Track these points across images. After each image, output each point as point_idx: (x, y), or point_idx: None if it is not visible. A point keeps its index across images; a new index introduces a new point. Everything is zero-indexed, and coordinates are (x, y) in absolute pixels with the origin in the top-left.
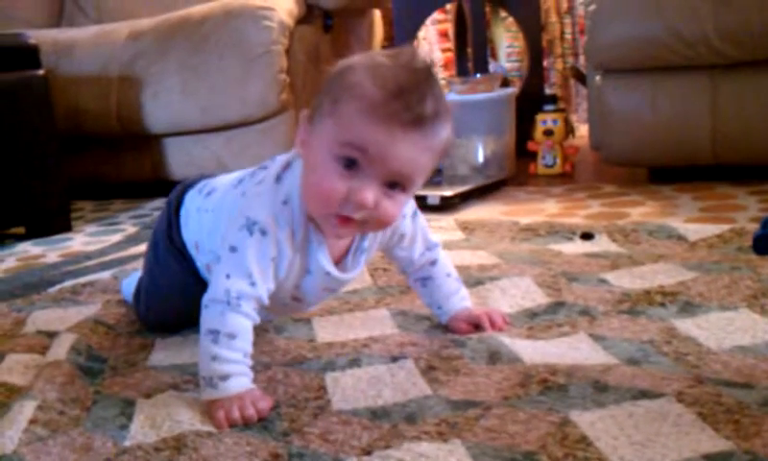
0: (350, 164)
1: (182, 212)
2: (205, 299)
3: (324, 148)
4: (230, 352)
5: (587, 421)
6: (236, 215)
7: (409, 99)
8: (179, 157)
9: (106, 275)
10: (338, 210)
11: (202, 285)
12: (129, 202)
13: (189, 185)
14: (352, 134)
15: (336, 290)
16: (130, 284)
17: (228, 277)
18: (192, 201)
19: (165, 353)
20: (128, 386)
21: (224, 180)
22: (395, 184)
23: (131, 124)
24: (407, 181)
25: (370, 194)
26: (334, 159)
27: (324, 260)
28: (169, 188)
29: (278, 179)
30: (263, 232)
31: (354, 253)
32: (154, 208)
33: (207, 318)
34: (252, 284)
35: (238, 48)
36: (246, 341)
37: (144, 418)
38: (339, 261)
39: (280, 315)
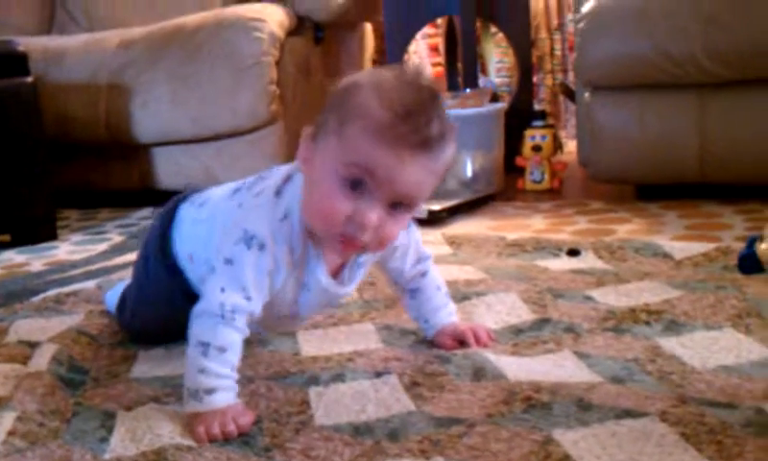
0: (356, 185)
1: (175, 225)
2: (197, 310)
3: (329, 167)
4: (219, 367)
5: (570, 439)
6: (232, 227)
7: (417, 121)
8: (167, 167)
9: (90, 284)
10: (341, 230)
11: (190, 301)
12: (116, 211)
13: (183, 198)
14: (359, 156)
15: (332, 304)
16: (113, 296)
17: (222, 290)
18: (186, 212)
19: (148, 365)
20: (109, 398)
21: (218, 190)
22: (397, 205)
23: (119, 133)
24: (411, 201)
25: (374, 215)
26: (339, 179)
27: (322, 276)
28: (157, 198)
29: (278, 192)
30: (261, 247)
31: (351, 266)
32: (141, 218)
33: (198, 330)
34: (248, 298)
35: (229, 59)
36: (235, 355)
37: (124, 431)
38: (336, 275)
39: (273, 330)
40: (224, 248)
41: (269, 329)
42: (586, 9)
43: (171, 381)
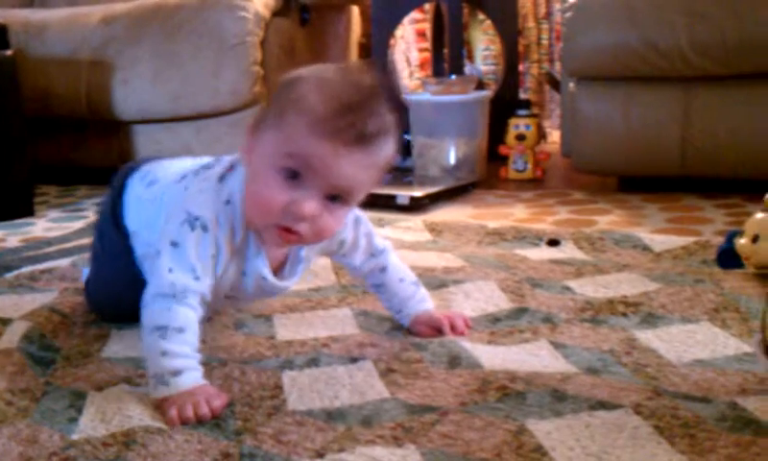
0: (293, 176)
1: (125, 197)
2: (147, 296)
3: (268, 158)
4: (180, 347)
5: (543, 430)
6: (176, 209)
7: (354, 117)
8: (147, 145)
9: (65, 262)
10: (278, 220)
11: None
12: (94, 188)
13: (132, 168)
14: (296, 147)
15: (273, 295)
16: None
17: (170, 271)
18: (134, 187)
19: (120, 345)
20: (79, 378)
21: (167, 170)
22: (335, 197)
23: (100, 109)
24: (348, 195)
25: (310, 206)
26: (276, 170)
27: (263, 267)
28: None
29: (221, 179)
30: (204, 228)
31: (292, 261)
32: None
33: (152, 314)
34: (197, 278)
35: (212, 37)
36: (194, 335)
37: (94, 411)
38: (277, 270)
39: (214, 312)
40: (168, 230)
41: (212, 311)
42: None
43: (143, 362)
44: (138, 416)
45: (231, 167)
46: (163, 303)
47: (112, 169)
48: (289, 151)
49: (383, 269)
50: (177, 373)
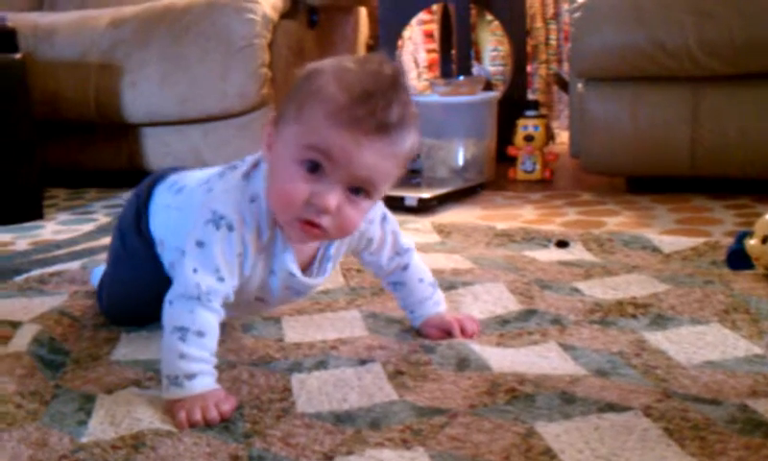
0: (314, 168)
1: (151, 206)
2: (171, 295)
3: (289, 151)
4: (199, 351)
5: (552, 432)
6: (202, 210)
7: (374, 105)
8: (156, 148)
9: (74, 265)
10: (301, 214)
11: (168, 278)
12: (103, 191)
13: (159, 178)
14: (316, 138)
15: (303, 293)
16: (99, 273)
17: (195, 271)
18: (161, 196)
19: (130, 348)
20: (89, 381)
21: (193, 177)
22: (358, 190)
23: (108, 112)
24: (371, 186)
25: (332, 198)
26: (298, 163)
27: (291, 264)
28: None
29: (246, 176)
30: (230, 227)
31: (321, 260)
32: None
33: (174, 315)
34: (220, 279)
35: (220, 40)
36: (214, 339)
37: (103, 414)
38: (306, 268)
39: (243, 314)
40: (194, 230)
41: (241, 313)
42: None
43: (152, 365)
44: (148, 419)
45: (256, 164)
46: (186, 305)
47: (121, 172)
48: (309, 143)
49: (405, 267)
50: (191, 376)
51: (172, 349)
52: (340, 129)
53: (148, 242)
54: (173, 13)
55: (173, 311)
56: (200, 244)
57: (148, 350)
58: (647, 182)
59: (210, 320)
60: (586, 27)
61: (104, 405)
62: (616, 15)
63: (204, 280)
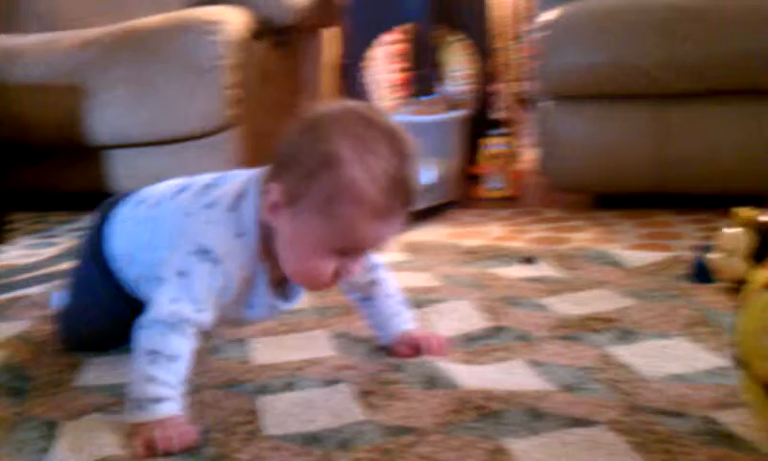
0: (343, 252)
1: (112, 226)
2: (144, 320)
3: (316, 239)
4: (167, 375)
5: (520, 448)
6: (184, 239)
7: (405, 193)
8: (122, 170)
9: (37, 290)
10: (327, 286)
11: (125, 303)
12: (69, 214)
13: (122, 198)
14: (351, 240)
15: (275, 315)
16: (59, 298)
17: (172, 301)
18: (122, 213)
19: (93, 374)
20: (52, 407)
21: (159, 188)
22: None
23: (74, 134)
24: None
25: (358, 268)
26: (330, 250)
27: (267, 293)
28: None
29: (233, 208)
30: (215, 262)
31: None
32: None
33: (147, 339)
34: (199, 311)
35: (186, 62)
36: (184, 365)
37: (66, 441)
38: (277, 286)
39: (216, 334)
40: (175, 260)
41: (214, 332)
42: (545, 18)
43: (116, 390)
44: (110, 445)
45: (242, 195)
46: (159, 329)
47: (87, 194)
48: (344, 245)
49: (375, 283)
50: (156, 400)
51: (141, 372)
52: (374, 223)
53: (104, 270)
54: (139, 35)
55: (146, 335)
56: (181, 274)
57: (112, 374)
58: (615, 198)
59: (183, 347)
60: (552, 46)
61: (67, 432)
62: (580, 36)
63: (182, 309)
